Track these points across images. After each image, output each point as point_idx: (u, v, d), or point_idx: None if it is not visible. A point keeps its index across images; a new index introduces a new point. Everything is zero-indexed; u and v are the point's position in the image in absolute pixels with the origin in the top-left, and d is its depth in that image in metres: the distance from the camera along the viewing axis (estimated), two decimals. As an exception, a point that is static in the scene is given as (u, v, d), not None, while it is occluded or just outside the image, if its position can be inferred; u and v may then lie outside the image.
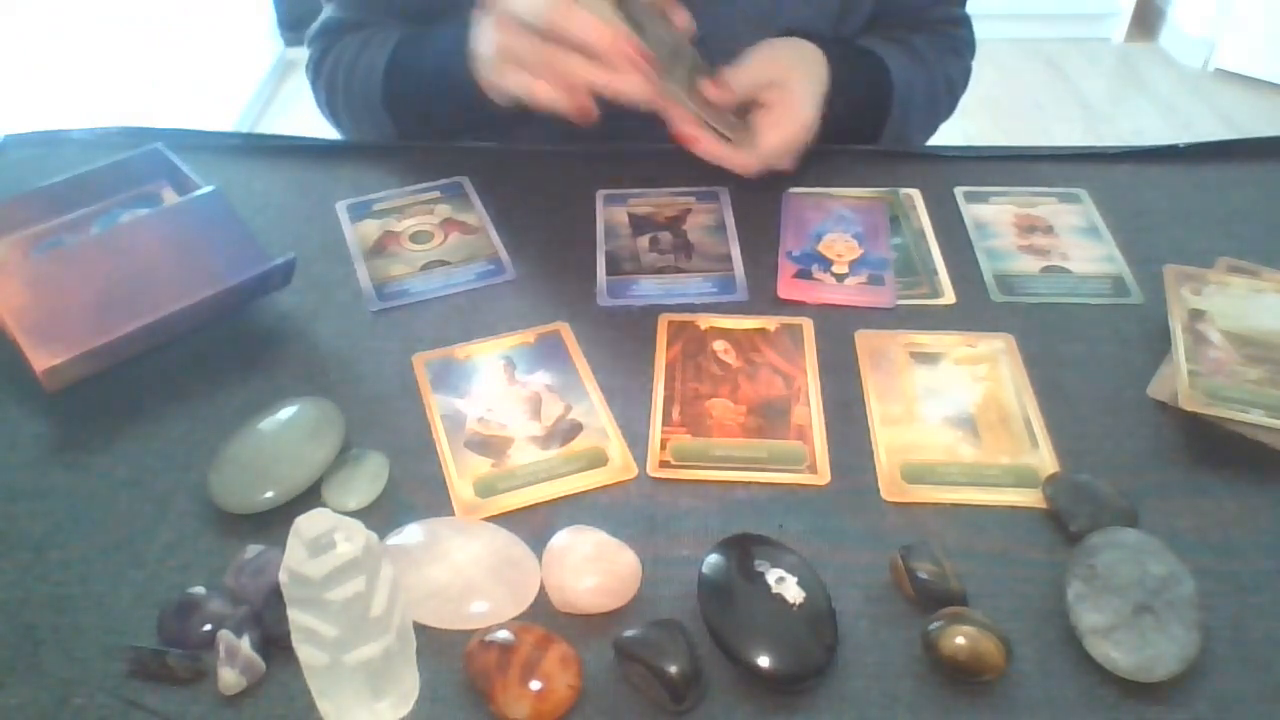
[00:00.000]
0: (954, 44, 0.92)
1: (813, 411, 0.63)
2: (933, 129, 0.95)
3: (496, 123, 0.79)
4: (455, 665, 0.49)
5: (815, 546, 0.55)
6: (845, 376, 0.66)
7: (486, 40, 0.71)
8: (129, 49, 2.16)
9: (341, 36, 0.89)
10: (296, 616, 0.43)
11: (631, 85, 0.65)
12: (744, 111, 0.74)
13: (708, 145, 0.70)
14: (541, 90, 0.67)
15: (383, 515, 0.57)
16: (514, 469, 0.59)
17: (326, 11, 0.90)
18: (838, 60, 0.77)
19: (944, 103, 0.93)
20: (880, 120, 0.87)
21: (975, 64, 0.95)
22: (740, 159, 0.71)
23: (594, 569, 0.52)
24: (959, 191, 0.82)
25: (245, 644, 0.48)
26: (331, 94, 0.90)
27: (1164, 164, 0.85)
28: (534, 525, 0.56)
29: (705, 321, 0.70)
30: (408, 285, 0.73)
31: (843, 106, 0.78)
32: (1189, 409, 0.58)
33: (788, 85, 0.73)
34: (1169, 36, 3.03)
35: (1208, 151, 0.86)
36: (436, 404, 0.64)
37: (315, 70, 0.91)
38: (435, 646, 0.50)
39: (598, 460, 0.60)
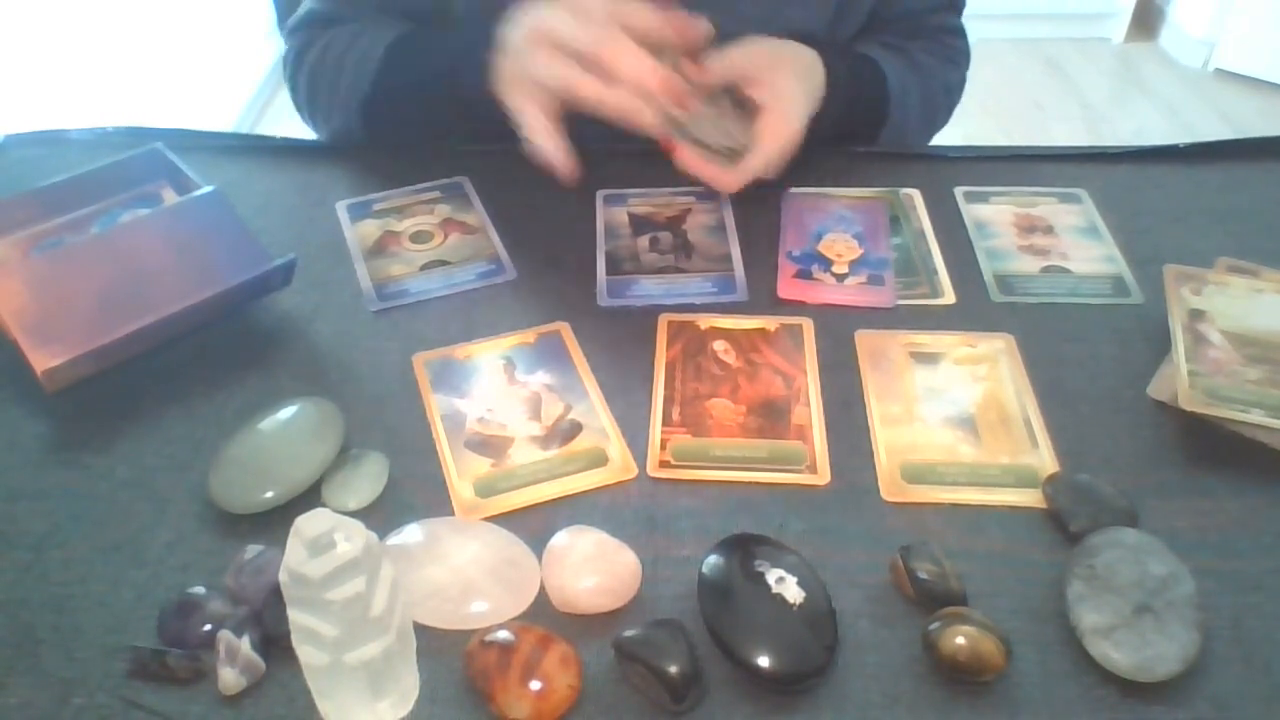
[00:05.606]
0: (950, 53, 0.92)
1: (813, 411, 0.63)
2: (929, 137, 0.95)
3: (483, 133, 0.77)
4: (455, 665, 0.49)
5: (815, 546, 0.55)
6: (845, 376, 0.66)
7: (513, 50, 0.68)
8: (129, 49, 2.16)
9: (326, 29, 0.86)
10: (296, 616, 0.43)
11: (650, 120, 0.63)
12: (740, 104, 0.73)
13: (687, 158, 0.68)
14: (540, 130, 0.66)
15: (383, 515, 0.57)
16: (514, 469, 0.59)
17: (308, 4, 0.88)
18: (835, 65, 0.77)
19: (940, 111, 0.93)
20: (877, 127, 0.87)
21: (976, 63, 0.95)
22: (721, 177, 0.70)
23: (594, 569, 0.52)
24: (959, 191, 0.82)
25: (245, 644, 0.48)
26: (313, 86, 0.87)
27: (1164, 164, 0.85)
28: (534, 525, 0.56)
29: (705, 321, 0.70)
30: (408, 285, 0.73)
31: (839, 112, 0.77)
32: (1189, 409, 0.58)
33: (776, 88, 0.71)
34: (1169, 36, 3.03)
35: (1208, 151, 0.86)
36: (436, 404, 0.64)
37: (296, 62, 0.88)
38: (435, 646, 0.50)
39: (598, 460, 0.60)
